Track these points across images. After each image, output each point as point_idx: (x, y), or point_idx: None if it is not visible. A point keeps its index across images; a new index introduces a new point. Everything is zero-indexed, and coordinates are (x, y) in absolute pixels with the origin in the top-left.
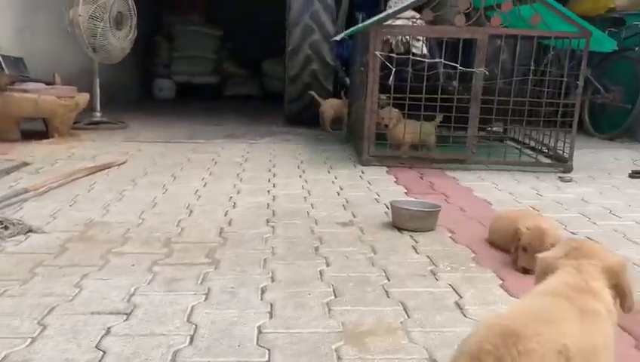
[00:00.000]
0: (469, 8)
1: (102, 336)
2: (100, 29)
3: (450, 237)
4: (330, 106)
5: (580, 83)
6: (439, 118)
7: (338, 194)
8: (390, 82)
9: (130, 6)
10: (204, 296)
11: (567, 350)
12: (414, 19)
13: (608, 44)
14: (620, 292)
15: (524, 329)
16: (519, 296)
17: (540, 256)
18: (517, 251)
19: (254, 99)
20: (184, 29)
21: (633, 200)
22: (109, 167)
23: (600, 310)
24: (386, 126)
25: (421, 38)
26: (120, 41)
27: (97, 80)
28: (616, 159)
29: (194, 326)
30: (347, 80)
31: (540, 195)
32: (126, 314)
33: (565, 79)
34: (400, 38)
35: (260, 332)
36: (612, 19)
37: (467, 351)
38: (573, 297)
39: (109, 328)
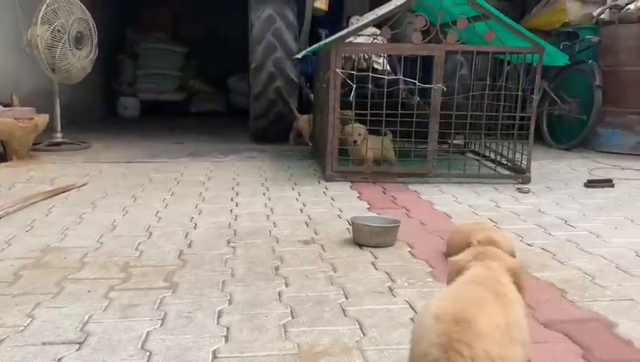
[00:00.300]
0: (425, 26)
1: None
2: (59, 49)
3: (410, 251)
4: (304, 122)
5: (535, 96)
6: (389, 133)
7: (301, 211)
8: (351, 98)
9: (90, 26)
10: (160, 322)
11: (498, 326)
12: (375, 36)
13: (561, 59)
14: (518, 287)
15: (469, 313)
16: None
17: (451, 259)
18: None
19: (221, 115)
20: (148, 47)
21: (587, 210)
22: (69, 190)
23: (510, 296)
24: (355, 142)
25: (382, 54)
26: (80, 61)
27: (58, 100)
28: (573, 169)
29: (148, 353)
30: (312, 96)
31: (498, 207)
32: (78, 343)
33: (520, 93)
34: (362, 54)
35: (214, 357)
36: (566, 33)
37: (437, 342)
38: (489, 285)
39: (60, 359)
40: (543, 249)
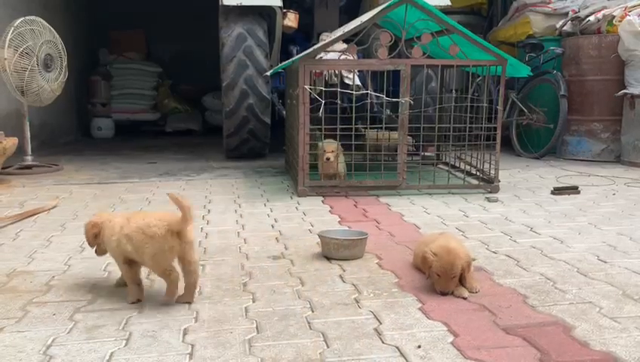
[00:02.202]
0: (391, 41)
1: None
2: (27, 72)
3: (377, 263)
4: None
5: (499, 107)
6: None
7: (272, 226)
8: (320, 114)
9: (59, 48)
10: (124, 342)
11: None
12: (343, 52)
13: (524, 70)
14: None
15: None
16: (436, 318)
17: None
18: (433, 276)
19: (196, 134)
20: (122, 67)
21: (553, 217)
22: (38, 213)
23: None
24: (328, 159)
25: (352, 70)
26: (50, 84)
27: (27, 123)
28: (541, 177)
29: None
30: (284, 112)
31: (467, 216)
32: None
33: (486, 105)
34: (333, 70)
35: None
36: (531, 44)
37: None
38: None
39: None
40: (507, 256)
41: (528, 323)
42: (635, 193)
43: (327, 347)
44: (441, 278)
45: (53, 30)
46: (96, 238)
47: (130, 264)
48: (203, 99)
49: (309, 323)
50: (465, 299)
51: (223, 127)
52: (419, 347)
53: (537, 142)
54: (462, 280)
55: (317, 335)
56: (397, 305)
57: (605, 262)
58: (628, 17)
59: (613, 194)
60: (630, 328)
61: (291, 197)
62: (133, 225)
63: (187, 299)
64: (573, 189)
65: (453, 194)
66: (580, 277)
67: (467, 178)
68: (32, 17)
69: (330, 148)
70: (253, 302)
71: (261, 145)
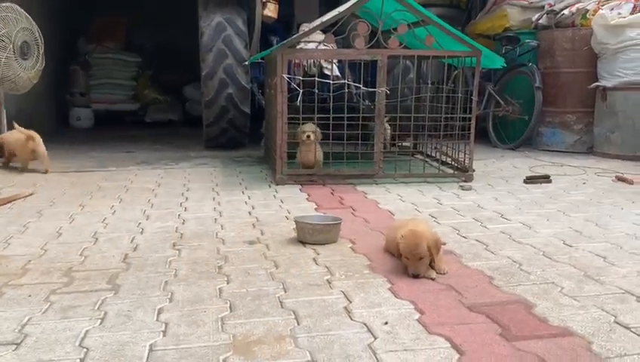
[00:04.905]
0: (368, 31)
1: None
2: (3, 59)
3: (351, 247)
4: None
5: (474, 98)
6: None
7: (250, 213)
8: (298, 103)
9: (36, 35)
10: (99, 321)
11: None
12: (321, 42)
13: (498, 62)
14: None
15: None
16: (404, 298)
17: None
18: (404, 259)
19: (176, 124)
20: (101, 57)
21: (523, 205)
22: (14, 200)
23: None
24: (309, 137)
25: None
26: (27, 71)
27: (4, 111)
28: (515, 167)
29: (85, 349)
30: (264, 102)
31: (440, 204)
32: (15, 344)
33: (461, 95)
34: (312, 60)
35: (151, 350)
36: (508, 37)
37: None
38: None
39: None
40: (477, 240)
41: (492, 302)
42: (605, 182)
43: (298, 324)
44: (410, 260)
45: (29, 17)
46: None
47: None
48: (184, 90)
49: (281, 302)
50: (433, 279)
51: (203, 116)
52: (385, 323)
53: (513, 134)
54: (431, 264)
55: (288, 314)
56: (367, 285)
57: (570, 246)
58: (601, 11)
59: (584, 183)
60: (588, 306)
61: (269, 186)
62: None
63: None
64: (545, 178)
65: (428, 182)
66: (544, 260)
67: (442, 167)
68: (7, 4)
69: (310, 127)
70: (228, 283)
71: (240, 135)
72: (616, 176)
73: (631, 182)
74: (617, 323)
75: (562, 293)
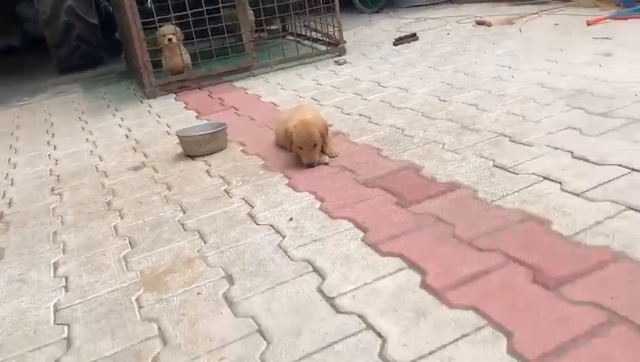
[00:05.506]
0: None
1: None
2: None
3: (242, 150)
4: None
5: None
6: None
7: (127, 137)
8: (149, 4)
9: None
10: None
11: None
12: None
13: None
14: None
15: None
16: (303, 190)
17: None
18: (296, 150)
19: (20, 51)
20: None
21: (397, 68)
22: None
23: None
24: (170, 40)
25: None
26: None
27: None
28: (383, 30)
29: None
30: (112, 8)
31: (320, 85)
32: None
33: None
34: None
35: (56, 310)
36: None
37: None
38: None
39: None
40: (360, 115)
41: (384, 173)
42: (466, 29)
43: (205, 243)
44: (303, 150)
45: None
46: None
47: None
48: (17, 9)
49: (182, 225)
50: (326, 164)
51: (47, 38)
52: (290, 220)
53: None
54: (323, 149)
55: (193, 235)
56: (266, 186)
57: (445, 101)
58: None
59: (447, 34)
60: (468, 156)
61: (141, 102)
62: None
63: None
64: (412, 36)
65: (304, 65)
66: (424, 120)
67: (315, 45)
68: None
69: (169, 29)
70: (121, 218)
71: (94, 49)
72: (475, 21)
73: (489, 24)
74: (496, 166)
75: (445, 149)
